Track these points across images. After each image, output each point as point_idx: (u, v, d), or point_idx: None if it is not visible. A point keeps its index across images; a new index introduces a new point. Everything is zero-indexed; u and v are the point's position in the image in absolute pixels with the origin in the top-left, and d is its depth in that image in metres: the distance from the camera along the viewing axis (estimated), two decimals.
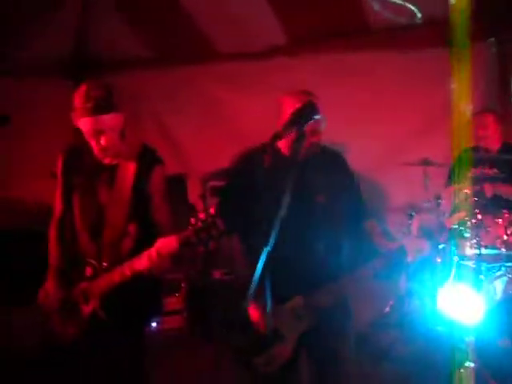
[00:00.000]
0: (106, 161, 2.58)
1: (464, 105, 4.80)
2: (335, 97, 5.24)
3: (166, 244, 2.28)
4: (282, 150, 2.63)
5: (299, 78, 5.37)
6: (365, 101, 5.16)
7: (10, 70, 5.23)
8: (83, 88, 2.43)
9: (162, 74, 5.76)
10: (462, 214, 3.80)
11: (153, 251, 2.31)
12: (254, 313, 2.53)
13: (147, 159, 2.61)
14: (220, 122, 5.64)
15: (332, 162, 2.70)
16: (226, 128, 5.63)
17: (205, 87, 5.65)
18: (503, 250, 3.54)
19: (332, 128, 5.09)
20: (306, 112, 1.92)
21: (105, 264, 2.50)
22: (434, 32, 4.95)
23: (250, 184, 2.57)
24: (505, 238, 3.45)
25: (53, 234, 2.73)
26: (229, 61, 5.53)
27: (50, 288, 2.59)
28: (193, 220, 2.22)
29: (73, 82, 5.94)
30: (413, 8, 4.72)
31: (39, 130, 5.59)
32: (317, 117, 2.20)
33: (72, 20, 5.29)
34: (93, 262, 2.53)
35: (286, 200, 2.52)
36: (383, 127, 4.97)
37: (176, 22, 5.27)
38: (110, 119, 2.43)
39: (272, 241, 2.49)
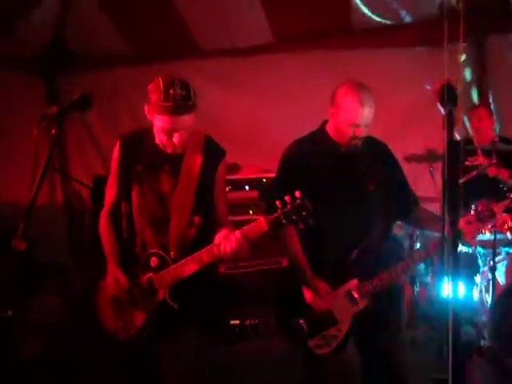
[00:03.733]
0: (169, 150, 2.50)
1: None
2: (320, 94, 5.41)
3: (255, 227, 2.27)
4: (333, 137, 2.68)
5: (284, 75, 5.50)
6: None
7: None
8: (160, 83, 2.32)
9: (143, 70, 5.65)
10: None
11: (238, 234, 2.28)
12: (308, 295, 2.59)
13: (213, 151, 2.59)
14: (204, 119, 5.57)
15: (379, 151, 2.78)
16: (210, 125, 5.57)
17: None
18: (508, 234, 3.74)
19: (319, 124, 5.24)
20: (453, 91, 1.86)
21: (173, 254, 2.46)
22: (414, 32, 5.21)
23: (305, 169, 2.62)
24: (510, 223, 3.63)
25: (106, 224, 2.63)
26: (214, 57, 5.53)
27: (119, 276, 2.49)
28: (279, 203, 2.22)
29: (46, 77, 5.83)
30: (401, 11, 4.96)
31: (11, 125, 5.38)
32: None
33: (52, 12, 5.12)
34: (160, 252, 2.47)
35: (340, 188, 2.62)
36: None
37: (160, 17, 5.21)
38: (187, 119, 2.37)
39: (326, 227, 2.59)
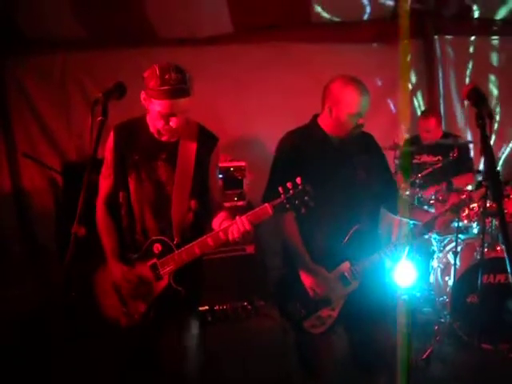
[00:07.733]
0: (164, 139, 2.58)
1: (401, 96, 5.38)
2: (278, 85, 5.54)
3: (261, 212, 2.35)
4: (326, 130, 2.79)
5: (243, 66, 5.56)
6: (307, 89, 5.45)
7: None
8: (156, 70, 2.41)
9: (97, 56, 5.54)
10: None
11: (245, 219, 2.36)
12: (306, 279, 2.71)
13: (207, 138, 2.67)
14: None
15: (367, 141, 2.93)
16: None
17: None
18: (465, 222, 4.03)
19: (277, 114, 5.34)
20: (481, 94, 2.01)
21: (176, 240, 2.52)
22: (371, 29, 5.46)
23: (300, 159, 2.72)
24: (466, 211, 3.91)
25: (103, 215, 2.65)
26: (172, 46, 5.47)
27: (118, 271, 2.53)
28: (281, 189, 2.31)
29: None
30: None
31: None
32: None
33: None
34: (164, 238, 2.52)
35: (334, 176, 2.74)
36: None
37: (118, 2, 5.11)
38: (184, 103, 2.42)
39: (321, 213, 2.71)
